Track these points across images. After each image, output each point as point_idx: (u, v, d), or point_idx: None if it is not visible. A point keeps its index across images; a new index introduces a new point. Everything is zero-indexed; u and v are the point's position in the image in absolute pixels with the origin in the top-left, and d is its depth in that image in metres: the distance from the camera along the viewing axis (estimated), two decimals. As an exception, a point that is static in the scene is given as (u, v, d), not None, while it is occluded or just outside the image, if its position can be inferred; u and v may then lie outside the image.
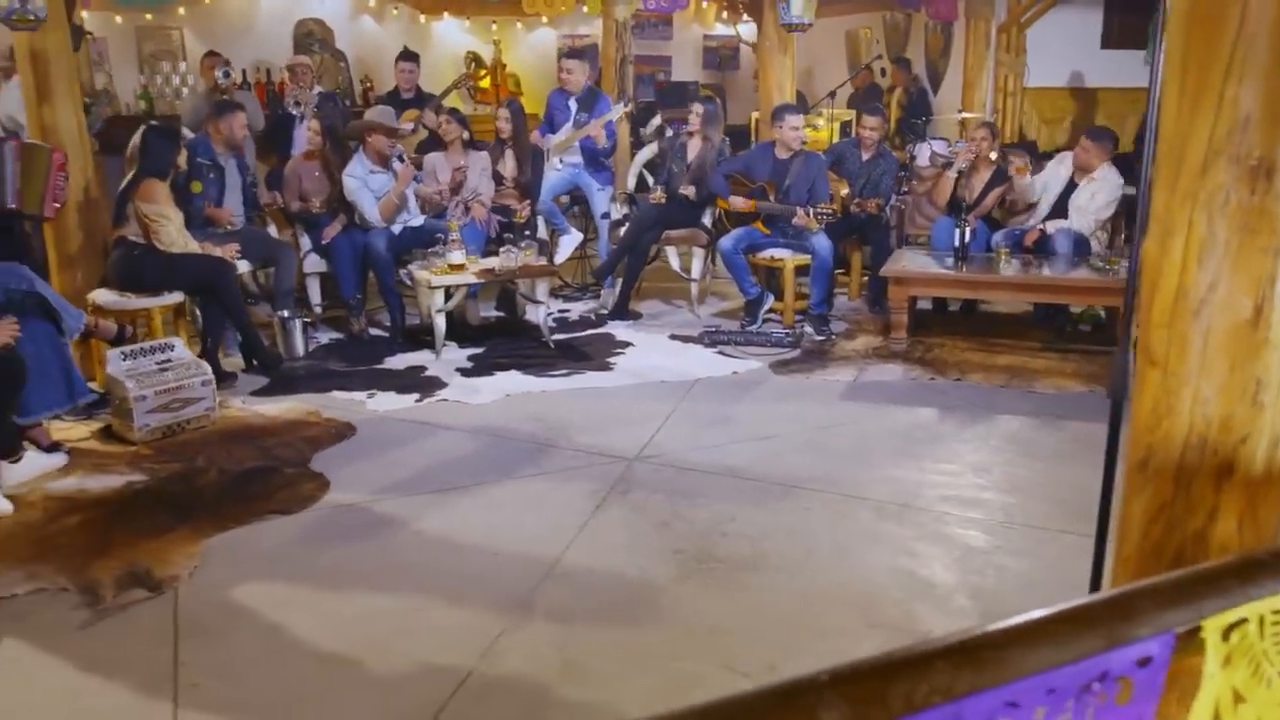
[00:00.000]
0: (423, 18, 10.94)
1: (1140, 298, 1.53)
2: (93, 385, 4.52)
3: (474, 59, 11.10)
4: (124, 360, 4.39)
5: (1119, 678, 0.87)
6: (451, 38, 11.18)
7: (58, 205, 4.72)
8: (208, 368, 4.56)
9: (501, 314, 6.55)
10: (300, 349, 5.61)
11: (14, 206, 4.56)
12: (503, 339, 5.95)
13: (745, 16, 11.98)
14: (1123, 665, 0.88)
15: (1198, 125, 1.40)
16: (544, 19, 11.32)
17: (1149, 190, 1.67)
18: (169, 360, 4.50)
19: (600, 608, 2.94)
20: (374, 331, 6.05)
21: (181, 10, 9.52)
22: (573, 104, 6.79)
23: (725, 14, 11.87)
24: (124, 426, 4.34)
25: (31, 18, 4.66)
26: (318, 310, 6.23)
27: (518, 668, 2.63)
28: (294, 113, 6.81)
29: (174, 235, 4.99)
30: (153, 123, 5.77)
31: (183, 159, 5.24)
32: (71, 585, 3.11)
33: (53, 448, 4.09)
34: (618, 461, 4.03)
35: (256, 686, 2.58)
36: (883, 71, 10.23)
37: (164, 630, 2.85)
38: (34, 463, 3.93)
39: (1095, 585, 2.29)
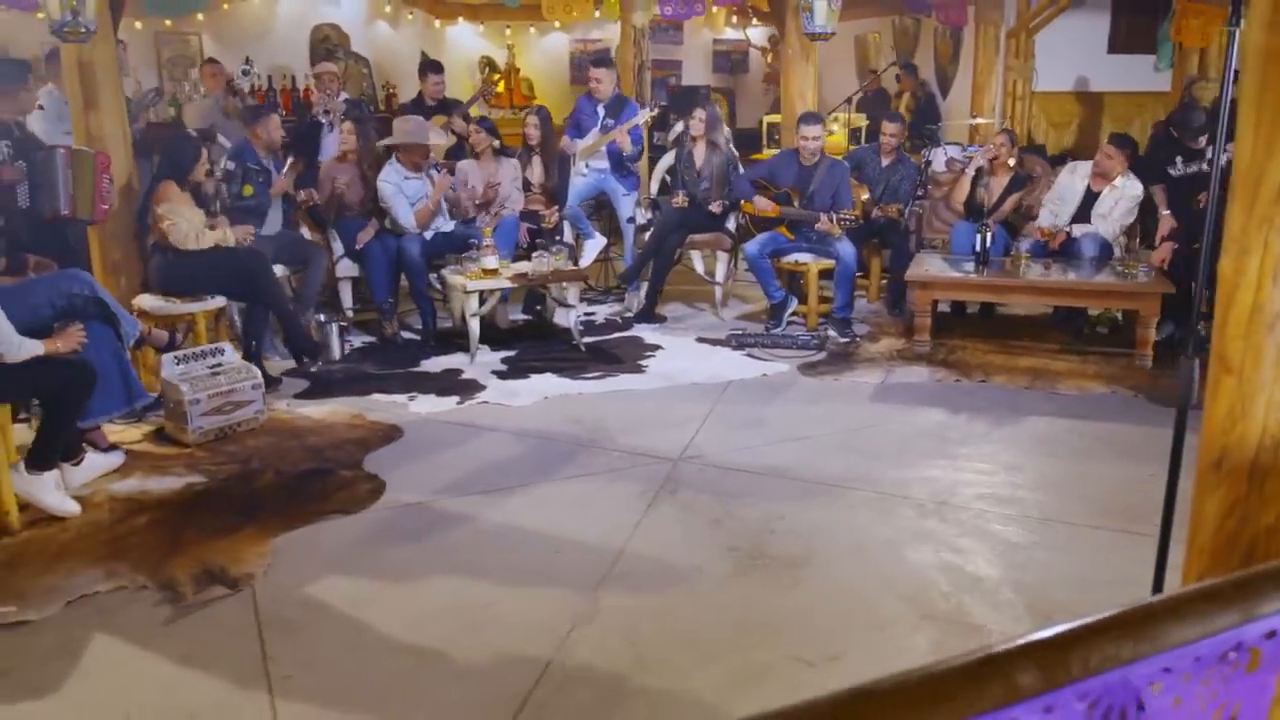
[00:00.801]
0: (437, 22, 11.06)
1: (1217, 312, 1.67)
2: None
3: (488, 64, 11.25)
4: (177, 365, 4.51)
5: (1250, 648, 1.01)
6: (465, 42, 11.31)
7: (105, 208, 4.84)
8: (257, 371, 4.69)
9: (528, 317, 6.67)
10: (337, 352, 5.73)
11: (67, 213, 4.67)
12: (532, 342, 6.08)
13: (754, 21, 12.14)
14: (1253, 637, 1.01)
15: (1275, 155, 1.54)
16: (557, 24, 11.44)
17: (1219, 211, 1.81)
18: (220, 364, 4.62)
19: (664, 601, 3.08)
20: (405, 335, 6.17)
21: (200, 16, 9.63)
22: (600, 110, 6.91)
23: (735, 18, 12.01)
24: (177, 429, 4.47)
25: (83, 29, 4.78)
26: (349, 314, 6.35)
27: (592, 658, 2.76)
28: (322, 120, 6.93)
29: (185, 231, 5.01)
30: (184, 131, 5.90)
31: (203, 167, 5.27)
32: (150, 583, 3.23)
33: (110, 449, 4.21)
34: (662, 462, 4.16)
35: (346, 678, 2.70)
36: (897, 78, 10.36)
37: (247, 626, 2.97)
38: (94, 464, 4.05)
39: (1160, 572, 2.43)
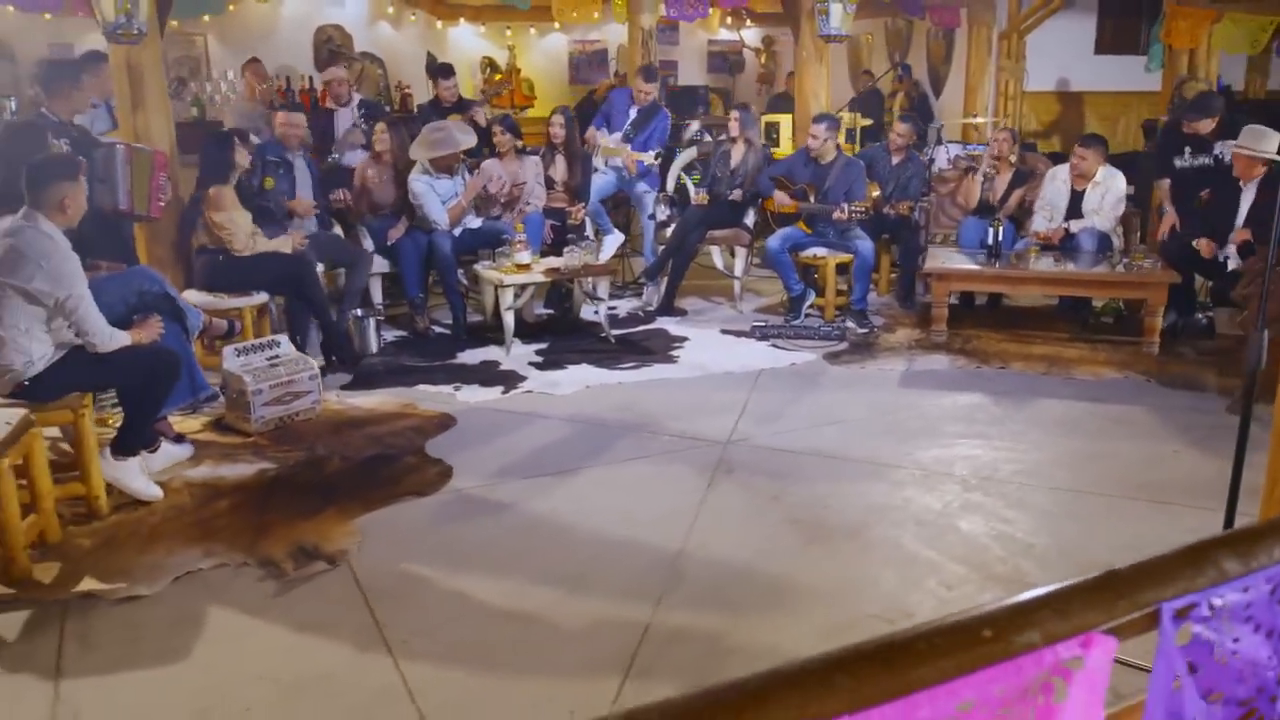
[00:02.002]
0: (439, 23, 11.20)
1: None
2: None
3: (489, 64, 11.40)
4: (238, 356, 4.66)
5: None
6: (466, 42, 11.45)
7: (162, 204, 4.97)
8: (314, 363, 4.84)
9: (550, 312, 6.86)
10: (373, 346, 5.89)
11: (125, 208, 4.80)
12: (561, 335, 6.27)
13: (748, 22, 12.38)
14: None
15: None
16: (557, 25, 11.62)
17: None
18: (278, 356, 4.78)
19: (742, 568, 3.29)
20: (436, 329, 6.34)
21: (205, 18, 9.71)
22: (633, 112, 7.08)
23: (729, 20, 12.24)
24: (238, 419, 4.61)
25: (136, 31, 4.91)
26: (380, 308, 6.49)
27: (688, 621, 2.97)
28: (334, 108, 7.08)
29: (244, 240, 5.22)
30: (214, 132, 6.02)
31: (242, 158, 5.42)
32: (249, 560, 3.40)
33: (178, 439, 4.36)
34: (713, 445, 4.38)
35: (459, 642, 2.89)
36: (899, 77, 10.62)
37: (353, 597, 3.15)
38: (168, 453, 4.20)
39: (1231, 509, 2.67)
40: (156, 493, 3.86)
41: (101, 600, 3.15)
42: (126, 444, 3.83)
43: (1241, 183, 5.58)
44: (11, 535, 3.21)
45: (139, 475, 3.84)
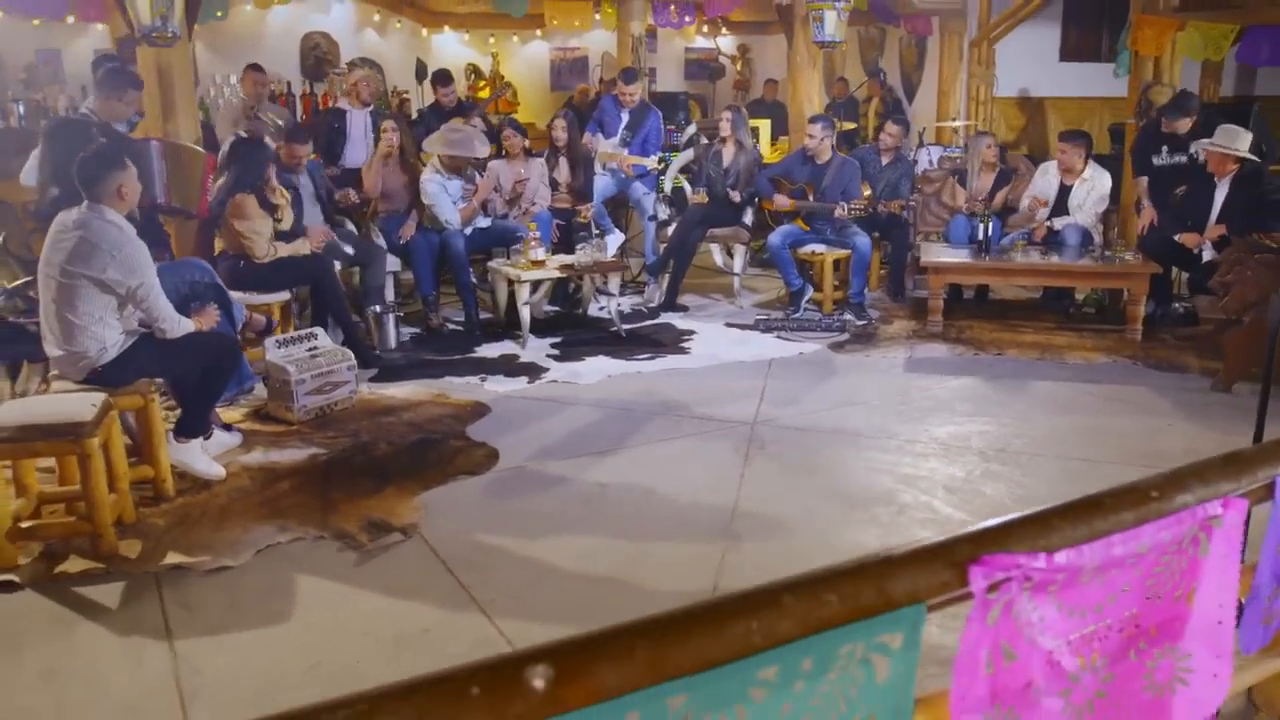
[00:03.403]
0: (424, 31, 11.39)
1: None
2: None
3: (474, 70, 11.59)
4: (279, 348, 4.82)
5: None
6: (450, 49, 11.65)
7: (208, 202, 5.12)
8: (351, 354, 5.01)
9: (557, 308, 7.06)
10: (392, 341, 6.05)
11: (163, 201, 4.94)
12: (571, 330, 6.48)
13: (724, 31, 12.70)
14: None
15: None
16: (539, 33, 11.86)
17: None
18: (316, 348, 4.94)
19: (795, 531, 3.54)
20: (449, 326, 6.52)
21: (195, 25, 9.79)
22: (624, 115, 7.33)
23: (706, 28, 12.56)
24: (281, 408, 4.77)
25: (170, 34, 5.06)
26: (394, 305, 6.65)
27: (754, 578, 3.19)
28: (345, 108, 7.25)
29: (265, 248, 5.35)
30: (241, 134, 6.13)
31: (271, 171, 5.57)
32: (325, 534, 3.57)
33: (226, 427, 4.51)
34: (741, 425, 4.63)
35: (545, 601, 3.10)
36: (880, 83, 10.96)
37: (433, 565, 3.34)
38: (220, 440, 4.34)
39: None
40: (219, 472, 4.02)
41: (191, 571, 3.31)
42: (188, 427, 3.98)
43: (1216, 178, 5.97)
44: (100, 511, 3.35)
45: (202, 456, 4.00)
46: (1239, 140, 5.57)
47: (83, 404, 3.41)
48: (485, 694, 0.84)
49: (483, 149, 6.50)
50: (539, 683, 0.86)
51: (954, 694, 1.17)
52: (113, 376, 3.74)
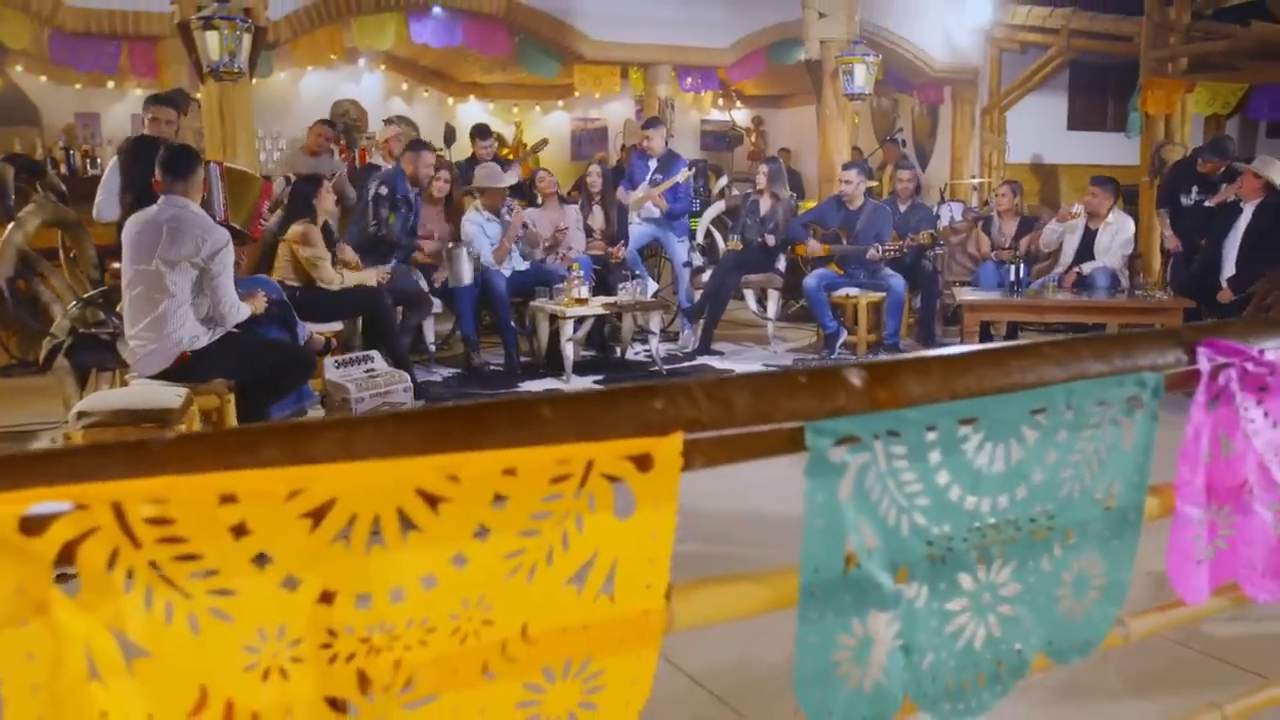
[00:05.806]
0: (450, 100, 11.74)
1: None
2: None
3: (498, 139, 11.90)
4: (338, 368, 4.89)
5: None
6: (475, 118, 11.95)
7: (261, 226, 5.25)
8: (408, 376, 5.08)
9: (593, 353, 7.14)
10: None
11: (222, 219, 5.06)
12: (610, 371, 6.55)
13: (738, 104, 13.11)
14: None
15: None
16: (560, 103, 12.23)
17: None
18: (374, 369, 5.01)
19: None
20: (490, 366, 6.59)
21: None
22: (652, 163, 7.55)
23: (721, 101, 12.97)
24: (338, 428, 4.80)
25: (237, 70, 5.25)
26: (432, 348, 6.75)
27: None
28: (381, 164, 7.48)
29: (331, 274, 5.50)
30: (299, 173, 6.33)
31: (327, 202, 5.71)
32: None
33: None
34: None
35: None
36: (902, 143, 11.27)
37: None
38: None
39: None
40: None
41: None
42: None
43: (1242, 202, 6.16)
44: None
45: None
46: (1273, 170, 5.80)
47: (170, 395, 3.46)
48: (812, 383, 0.90)
49: (508, 178, 6.74)
50: (857, 381, 0.92)
51: (1178, 480, 1.22)
52: (196, 370, 3.80)
